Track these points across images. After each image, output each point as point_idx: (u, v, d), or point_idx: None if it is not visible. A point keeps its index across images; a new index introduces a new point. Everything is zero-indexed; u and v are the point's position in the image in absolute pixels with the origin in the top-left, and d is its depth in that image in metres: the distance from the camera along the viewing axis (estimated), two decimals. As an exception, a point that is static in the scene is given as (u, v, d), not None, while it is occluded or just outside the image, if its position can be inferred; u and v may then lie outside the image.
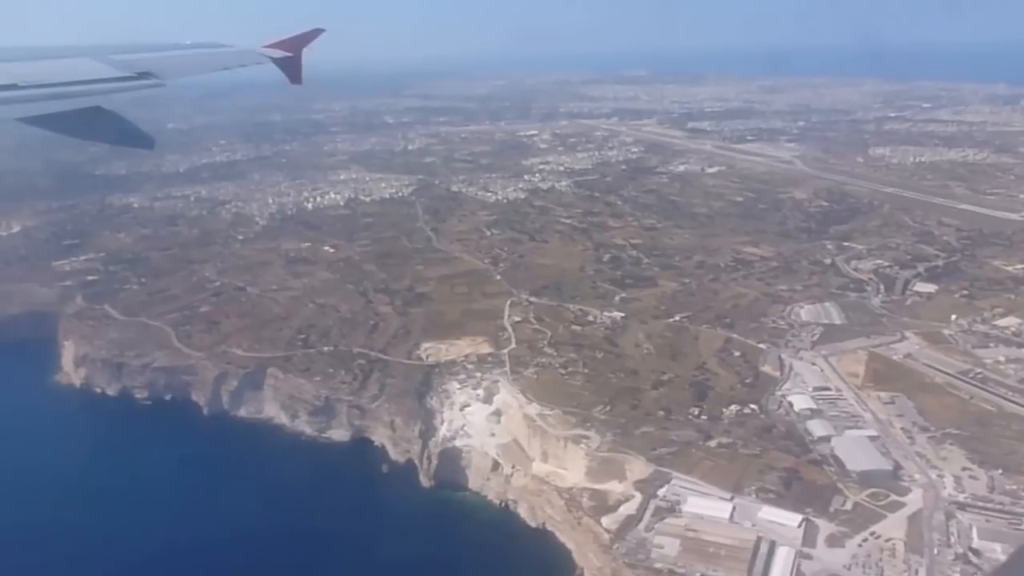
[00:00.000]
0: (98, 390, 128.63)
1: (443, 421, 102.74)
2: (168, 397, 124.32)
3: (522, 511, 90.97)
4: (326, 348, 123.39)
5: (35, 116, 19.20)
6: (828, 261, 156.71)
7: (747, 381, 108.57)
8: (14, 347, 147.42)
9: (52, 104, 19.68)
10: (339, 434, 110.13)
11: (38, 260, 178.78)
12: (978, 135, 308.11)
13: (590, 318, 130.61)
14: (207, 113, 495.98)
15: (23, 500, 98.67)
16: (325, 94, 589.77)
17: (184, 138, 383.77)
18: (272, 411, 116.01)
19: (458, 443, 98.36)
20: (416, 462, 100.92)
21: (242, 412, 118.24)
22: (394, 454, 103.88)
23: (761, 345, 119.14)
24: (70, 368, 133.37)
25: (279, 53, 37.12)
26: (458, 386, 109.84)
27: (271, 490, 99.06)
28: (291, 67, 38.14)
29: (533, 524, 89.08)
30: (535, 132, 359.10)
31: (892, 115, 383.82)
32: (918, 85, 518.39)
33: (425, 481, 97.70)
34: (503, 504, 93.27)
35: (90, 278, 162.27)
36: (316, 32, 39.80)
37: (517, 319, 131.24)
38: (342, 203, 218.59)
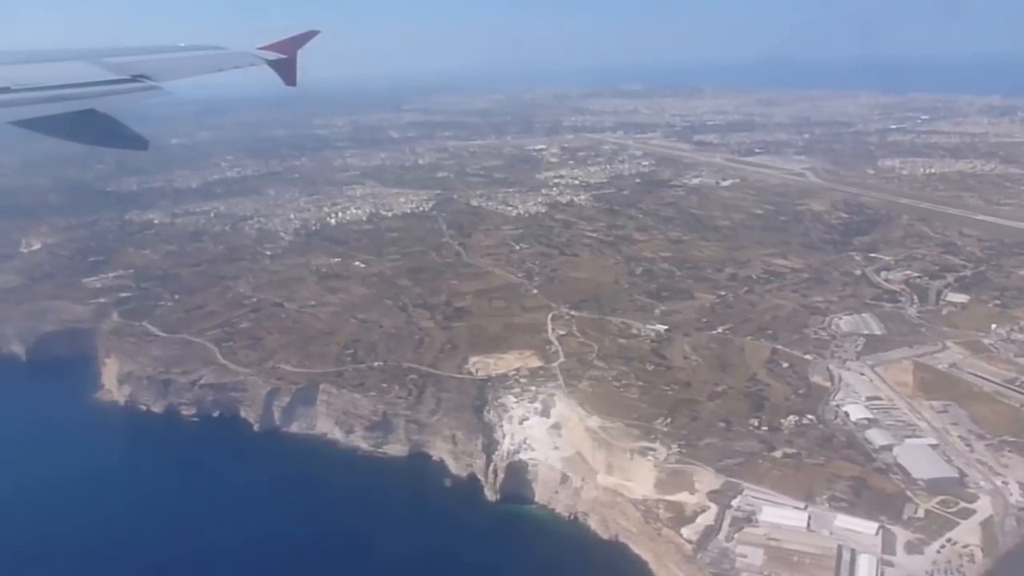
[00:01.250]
0: (143, 407, 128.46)
1: (504, 435, 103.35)
2: (216, 414, 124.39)
3: (593, 523, 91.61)
4: (376, 363, 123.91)
5: (28, 119, 19.05)
6: (858, 272, 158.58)
7: (800, 392, 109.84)
8: (50, 364, 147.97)
9: (45, 107, 19.65)
10: (396, 449, 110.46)
11: (66, 277, 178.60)
12: (981, 146, 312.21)
13: (634, 331, 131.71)
14: (208, 129, 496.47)
15: (86, 518, 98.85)
16: (324, 109, 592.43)
17: (190, 154, 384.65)
18: (325, 427, 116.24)
19: (523, 456, 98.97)
20: (479, 476, 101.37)
21: (294, 428, 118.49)
22: (455, 468, 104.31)
23: (807, 356, 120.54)
24: (112, 385, 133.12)
25: (274, 55, 37.40)
26: (514, 400, 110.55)
27: (335, 504, 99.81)
28: (286, 69, 38.34)
29: (605, 536, 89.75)
30: (543, 146, 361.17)
31: (893, 127, 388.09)
32: (913, 97, 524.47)
33: (490, 495, 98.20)
34: (572, 517, 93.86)
35: (123, 295, 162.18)
36: (311, 34, 39.94)
37: (561, 332, 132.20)
38: (364, 218, 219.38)
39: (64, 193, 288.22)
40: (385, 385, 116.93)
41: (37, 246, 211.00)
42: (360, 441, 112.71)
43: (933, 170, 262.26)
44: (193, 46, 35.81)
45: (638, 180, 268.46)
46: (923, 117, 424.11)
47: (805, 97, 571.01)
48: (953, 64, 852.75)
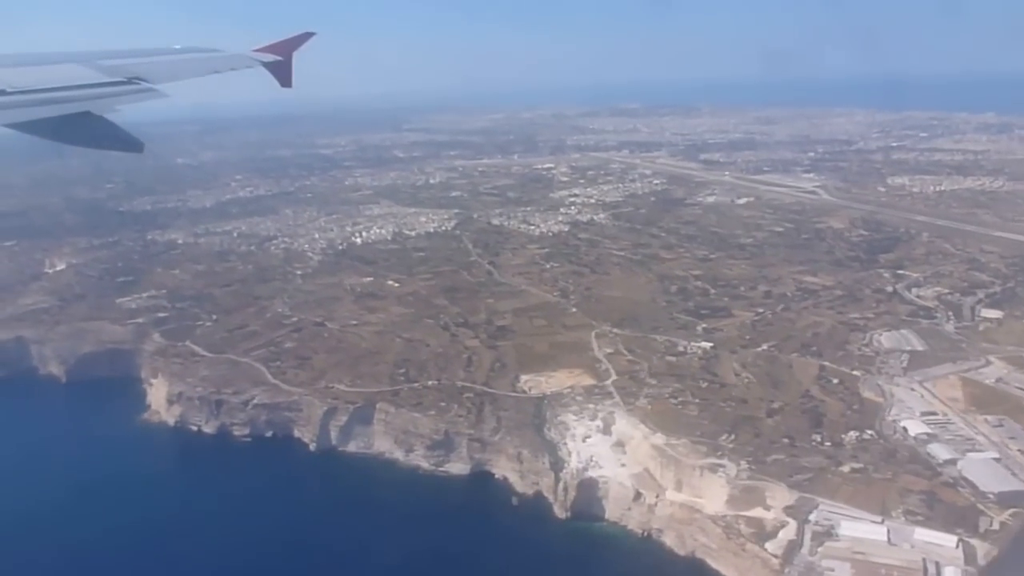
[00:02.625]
0: (193, 427, 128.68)
1: (570, 452, 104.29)
2: (269, 434, 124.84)
3: (668, 540, 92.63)
4: (429, 382, 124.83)
5: (23, 122, 18.85)
6: (889, 289, 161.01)
7: (854, 408, 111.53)
8: (91, 385, 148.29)
9: (40, 110, 19.65)
10: (458, 467, 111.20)
11: (98, 298, 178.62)
12: (986, 163, 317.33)
13: (680, 348, 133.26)
14: (212, 148, 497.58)
15: (153, 540, 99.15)
16: (324, 129, 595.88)
17: (198, 173, 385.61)
18: (384, 446, 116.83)
19: (591, 474, 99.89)
20: (546, 494, 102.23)
21: (351, 447, 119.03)
22: (521, 487, 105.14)
23: (855, 372, 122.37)
24: (161, 406, 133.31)
25: (269, 57, 37.43)
26: (574, 418, 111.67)
27: (404, 522, 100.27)
28: (282, 71, 38.39)
29: (682, 552, 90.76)
30: (551, 165, 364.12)
31: (894, 144, 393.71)
32: (909, 115, 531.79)
33: (560, 512, 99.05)
34: (645, 533, 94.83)
35: (160, 315, 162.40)
36: (306, 36, 39.95)
37: (608, 351, 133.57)
38: (389, 237, 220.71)
39: (78, 213, 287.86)
40: (443, 404, 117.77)
41: (62, 266, 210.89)
42: (421, 460, 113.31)
43: (943, 187, 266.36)
44: (188, 48, 35.93)
45: (653, 199, 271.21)
46: (922, 134, 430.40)
47: (802, 115, 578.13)
48: (942, 83, 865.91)
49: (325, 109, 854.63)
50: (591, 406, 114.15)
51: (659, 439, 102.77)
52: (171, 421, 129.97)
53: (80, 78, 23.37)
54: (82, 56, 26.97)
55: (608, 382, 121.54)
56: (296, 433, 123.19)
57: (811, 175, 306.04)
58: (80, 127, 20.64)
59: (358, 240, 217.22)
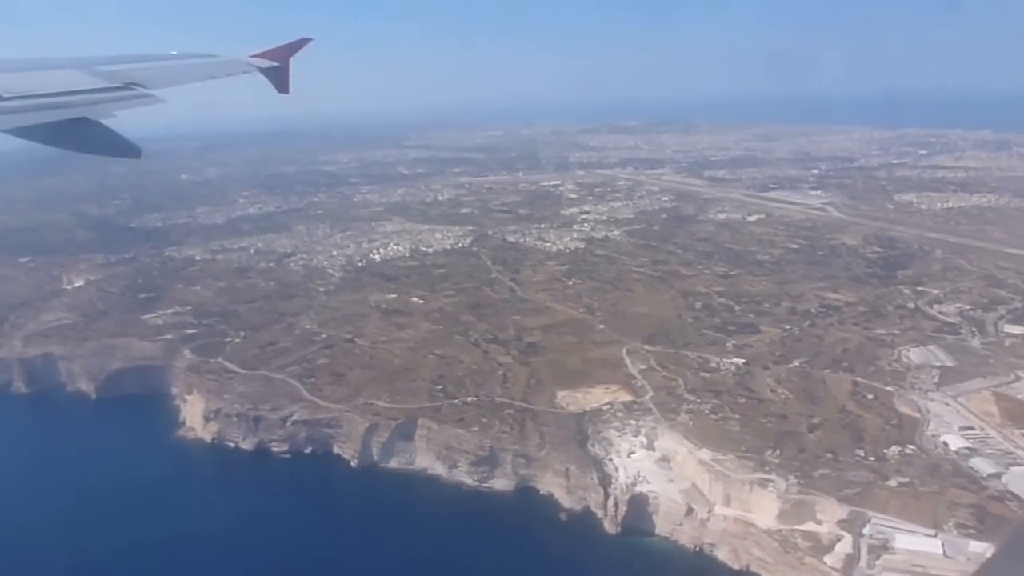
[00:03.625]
0: (230, 444, 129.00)
1: (616, 468, 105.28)
2: (308, 450, 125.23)
3: (721, 554, 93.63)
4: (469, 399, 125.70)
5: (21, 127, 18.91)
6: (911, 305, 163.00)
7: (892, 423, 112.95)
8: (121, 402, 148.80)
9: (38, 115, 19.61)
10: (502, 483, 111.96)
11: (121, 314, 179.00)
12: (988, 181, 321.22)
13: (713, 364, 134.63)
14: (215, 165, 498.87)
15: (205, 557, 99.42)
16: (325, 145, 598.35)
17: (205, 190, 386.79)
18: (426, 462, 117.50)
19: (641, 489, 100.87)
20: (594, 509, 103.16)
21: (393, 463, 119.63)
22: (568, 502, 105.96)
23: (888, 388, 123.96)
24: (196, 422, 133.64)
25: (266, 63, 37.31)
26: (616, 433, 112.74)
27: (454, 538, 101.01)
28: (279, 76, 38.35)
29: (736, 566, 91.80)
30: (557, 182, 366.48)
31: (895, 162, 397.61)
32: (906, 132, 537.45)
33: (610, 528, 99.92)
34: (697, 548, 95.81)
35: (188, 331, 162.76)
36: (303, 41, 40.15)
37: (642, 367, 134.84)
38: (407, 254, 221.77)
39: (89, 229, 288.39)
40: (485, 420, 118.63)
41: (80, 283, 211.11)
42: (464, 476, 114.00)
43: (950, 204, 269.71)
44: (185, 54, 35.79)
45: (664, 216, 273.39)
46: (921, 152, 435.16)
47: (800, 132, 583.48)
48: (935, 99, 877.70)
49: (323, 125, 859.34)
50: (633, 422, 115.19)
51: (705, 455, 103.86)
52: (207, 438, 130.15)
53: (77, 83, 23.49)
54: (79, 61, 27.08)
55: (646, 398, 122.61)
56: (336, 449, 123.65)
57: (818, 192, 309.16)
58: (77, 132, 20.77)
59: (377, 257, 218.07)
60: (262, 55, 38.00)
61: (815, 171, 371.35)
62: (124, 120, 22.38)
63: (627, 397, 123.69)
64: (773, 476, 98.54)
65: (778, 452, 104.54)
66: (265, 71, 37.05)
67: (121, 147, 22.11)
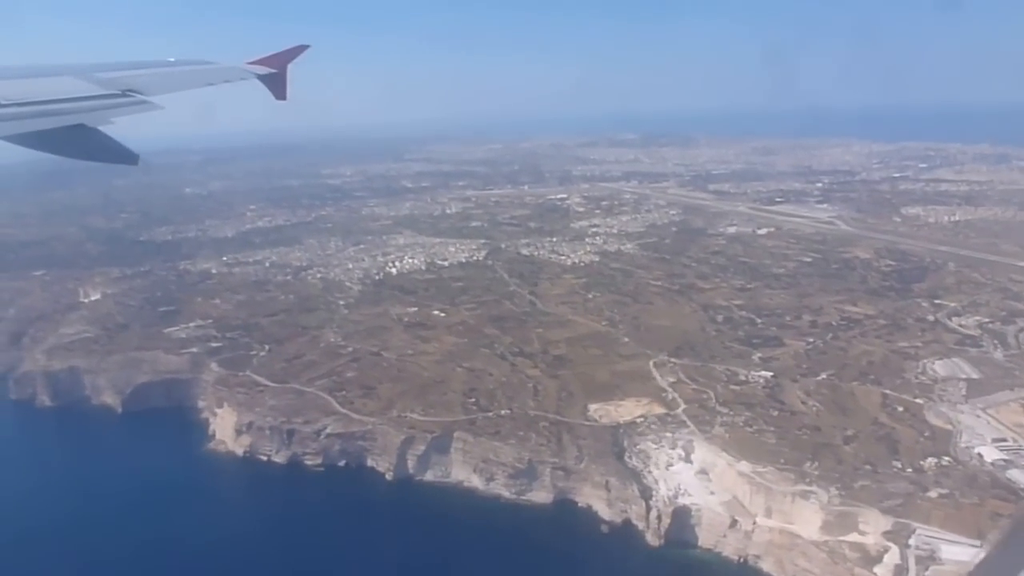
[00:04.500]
0: (263, 457, 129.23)
1: (656, 480, 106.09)
2: (342, 463, 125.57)
3: (766, 565, 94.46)
4: (503, 411, 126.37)
5: (18, 134, 18.93)
6: (931, 318, 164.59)
7: (925, 435, 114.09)
8: (147, 415, 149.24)
9: (35, 122, 19.55)
10: (541, 496, 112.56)
11: (142, 327, 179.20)
12: (992, 194, 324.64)
13: (742, 377, 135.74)
14: (218, 178, 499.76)
15: (245, 568, 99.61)
16: (326, 159, 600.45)
17: (211, 203, 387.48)
18: (462, 474, 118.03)
19: (683, 501, 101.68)
20: (635, 521, 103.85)
21: (428, 476, 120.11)
22: (608, 514, 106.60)
23: (918, 400, 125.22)
24: (227, 435, 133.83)
25: (264, 69, 37.26)
26: (653, 446, 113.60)
27: (497, 550, 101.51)
28: (276, 83, 38.20)
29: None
30: (564, 195, 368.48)
31: (896, 175, 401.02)
32: (905, 146, 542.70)
33: (653, 540, 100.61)
34: (742, 559, 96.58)
35: (214, 345, 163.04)
36: (300, 48, 40.09)
37: (671, 379, 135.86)
38: (423, 267, 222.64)
39: (99, 243, 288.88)
40: (521, 433, 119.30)
41: (97, 296, 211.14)
42: (502, 489, 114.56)
43: (957, 218, 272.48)
44: (183, 61, 35.56)
45: (674, 229, 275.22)
46: (921, 165, 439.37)
47: (799, 146, 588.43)
48: (930, 114, 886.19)
49: (321, 138, 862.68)
50: (668, 434, 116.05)
51: (744, 467, 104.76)
52: (239, 451, 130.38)
53: (75, 90, 23.44)
54: (77, 68, 27.02)
55: (679, 410, 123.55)
56: (370, 462, 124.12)
57: (824, 205, 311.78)
58: (75, 139, 20.82)
59: (393, 270, 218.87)
60: (259, 62, 38.05)
61: (819, 184, 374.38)
62: (124, 131, 22.49)
63: (660, 410, 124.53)
64: (814, 488, 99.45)
65: (816, 464, 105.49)
66: (263, 78, 37.15)
67: (119, 154, 22.24)
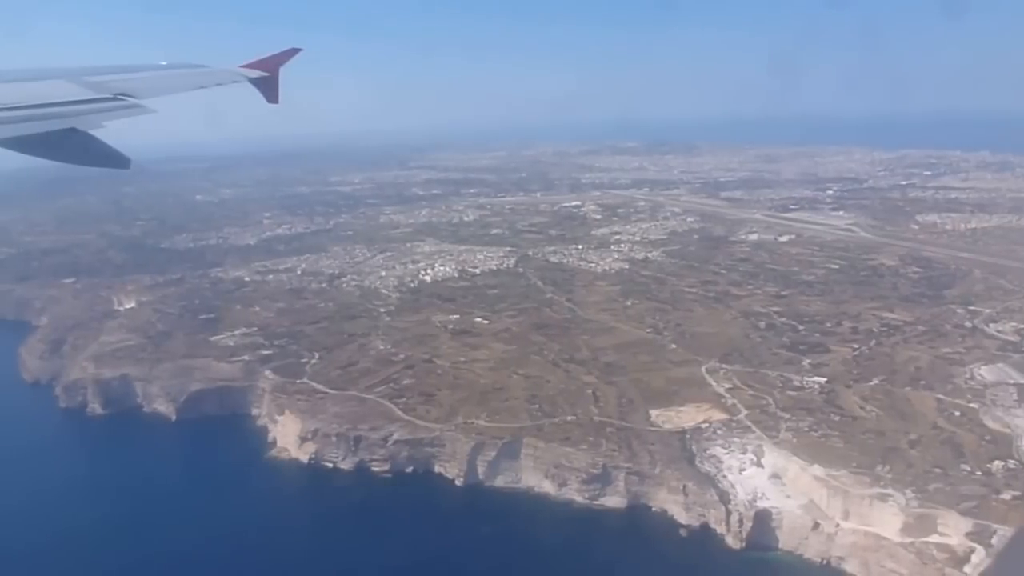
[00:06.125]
0: (328, 464, 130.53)
1: (732, 484, 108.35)
2: (409, 469, 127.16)
3: (850, 567, 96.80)
4: (568, 418, 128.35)
5: (8, 138, 18.82)
6: (968, 324, 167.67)
7: (986, 439, 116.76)
8: (202, 423, 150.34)
9: (26, 126, 19.52)
10: (614, 501, 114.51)
11: (187, 335, 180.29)
12: (1003, 201, 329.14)
13: (796, 383, 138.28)
14: (226, 186, 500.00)
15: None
16: (330, 166, 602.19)
17: (224, 210, 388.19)
18: (533, 480, 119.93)
19: (762, 504, 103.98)
20: (713, 525, 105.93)
21: (498, 482, 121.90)
22: (686, 518, 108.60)
23: (972, 404, 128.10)
24: (290, 443, 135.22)
25: (256, 73, 37.25)
26: (723, 451, 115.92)
27: (580, 553, 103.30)
28: (268, 87, 38.29)
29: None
30: (578, 203, 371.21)
31: (903, 182, 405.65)
32: (906, 153, 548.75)
33: (734, 543, 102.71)
34: (825, 561, 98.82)
35: (264, 352, 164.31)
36: (292, 51, 40.20)
37: (727, 385, 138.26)
38: (456, 275, 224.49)
39: (122, 250, 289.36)
40: (591, 439, 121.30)
41: (132, 304, 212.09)
42: (574, 494, 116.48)
43: (973, 225, 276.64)
44: (175, 64, 35.69)
45: (696, 236, 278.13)
46: (926, 173, 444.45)
47: (801, 154, 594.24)
48: (926, 122, 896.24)
49: (320, 146, 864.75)
50: (736, 439, 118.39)
51: (818, 471, 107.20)
52: (304, 458, 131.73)
53: (66, 94, 23.47)
54: (67, 72, 27.00)
55: (741, 416, 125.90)
56: (437, 468, 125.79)
57: (840, 213, 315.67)
58: (67, 143, 20.66)
59: (427, 278, 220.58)
60: (251, 65, 38.11)
61: (829, 192, 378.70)
62: (116, 138, 22.41)
63: (721, 415, 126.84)
64: (890, 491, 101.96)
65: (888, 468, 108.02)
66: (254, 81, 37.20)
67: (111, 158, 22.17)
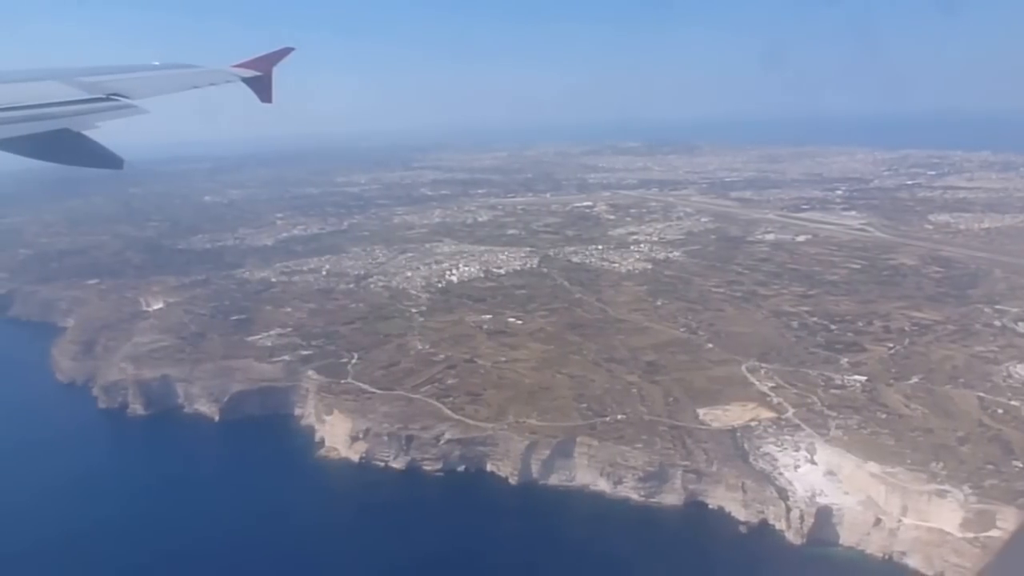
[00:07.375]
0: (380, 464, 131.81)
1: (790, 481, 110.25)
2: (461, 468, 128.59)
3: (913, 562, 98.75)
4: (619, 416, 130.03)
5: (1, 139, 18.84)
6: (997, 323, 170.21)
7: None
8: (246, 423, 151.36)
9: (19, 127, 19.54)
10: (671, 499, 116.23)
11: (222, 336, 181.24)
12: (1012, 201, 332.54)
13: (838, 382, 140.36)
14: (233, 187, 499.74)
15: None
16: (336, 167, 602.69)
17: (235, 211, 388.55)
18: (588, 478, 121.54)
19: (822, 501, 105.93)
20: (772, 521, 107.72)
21: (552, 480, 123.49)
22: (744, 515, 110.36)
23: (1014, 402, 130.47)
24: (340, 442, 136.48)
25: (249, 72, 37.43)
26: (776, 448, 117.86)
27: (640, 550, 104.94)
28: (262, 86, 38.43)
29: (930, 573, 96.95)
30: (589, 203, 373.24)
31: (909, 182, 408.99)
32: (908, 153, 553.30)
33: (795, 539, 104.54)
34: (887, 556, 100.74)
35: (304, 352, 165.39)
36: (286, 51, 40.47)
37: (770, 384, 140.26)
38: (481, 275, 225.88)
39: (139, 252, 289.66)
40: (645, 437, 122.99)
41: (159, 305, 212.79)
42: (630, 492, 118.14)
43: (986, 225, 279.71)
44: (167, 64, 35.61)
45: (713, 236, 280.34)
46: (930, 173, 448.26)
47: (803, 154, 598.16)
48: (922, 122, 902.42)
49: (317, 146, 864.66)
50: (788, 437, 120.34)
51: (874, 467, 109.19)
52: (354, 457, 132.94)
53: (59, 95, 23.52)
54: (60, 73, 26.99)
55: (789, 414, 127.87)
56: (490, 467, 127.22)
57: (852, 213, 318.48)
58: (60, 144, 20.80)
59: (453, 278, 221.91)
60: (245, 65, 38.29)
61: (838, 192, 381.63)
62: (111, 138, 22.54)
63: (768, 414, 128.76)
64: (947, 487, 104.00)
65: (941, 464, 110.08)
66: (248, 81, 37.34)
67: (104, 158, 22.35)
